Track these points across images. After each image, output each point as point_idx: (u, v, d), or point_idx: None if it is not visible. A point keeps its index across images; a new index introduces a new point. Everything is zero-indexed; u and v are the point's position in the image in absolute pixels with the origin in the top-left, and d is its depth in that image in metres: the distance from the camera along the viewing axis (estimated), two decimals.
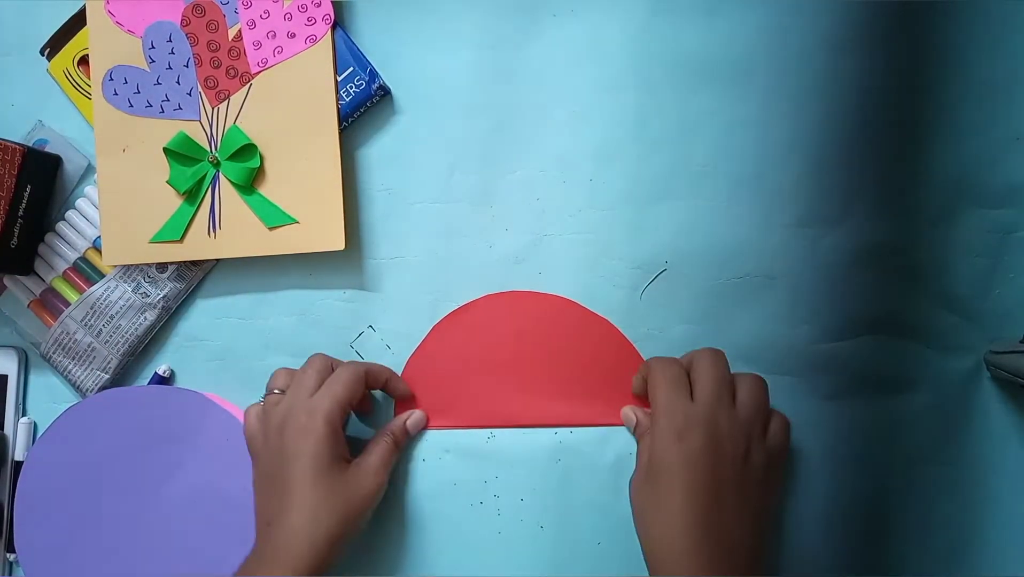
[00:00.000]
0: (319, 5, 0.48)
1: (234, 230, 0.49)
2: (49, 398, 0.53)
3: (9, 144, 0.49)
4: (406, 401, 0.50)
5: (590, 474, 0.48)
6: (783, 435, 0.44)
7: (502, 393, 0.49)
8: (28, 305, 0.52)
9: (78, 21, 0.51)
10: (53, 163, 0.52)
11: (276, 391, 0.47)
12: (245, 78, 0.49)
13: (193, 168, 0.49)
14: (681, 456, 0.41)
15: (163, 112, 0.50)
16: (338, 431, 0.44)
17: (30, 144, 0.51)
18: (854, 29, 0.47)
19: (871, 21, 0.47)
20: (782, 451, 0.44)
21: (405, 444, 0.49)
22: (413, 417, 0.49)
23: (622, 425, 0.48)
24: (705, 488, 0.40)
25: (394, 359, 0.50)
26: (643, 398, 0.47)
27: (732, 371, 0.44)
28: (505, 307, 0.49)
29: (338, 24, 0.49)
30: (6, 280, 0.53)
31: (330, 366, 0.47)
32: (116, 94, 0.50)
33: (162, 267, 0.51)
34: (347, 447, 0.45)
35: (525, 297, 0.49)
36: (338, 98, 0.48)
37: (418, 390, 0.50)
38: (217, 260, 0.51)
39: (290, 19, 0.48)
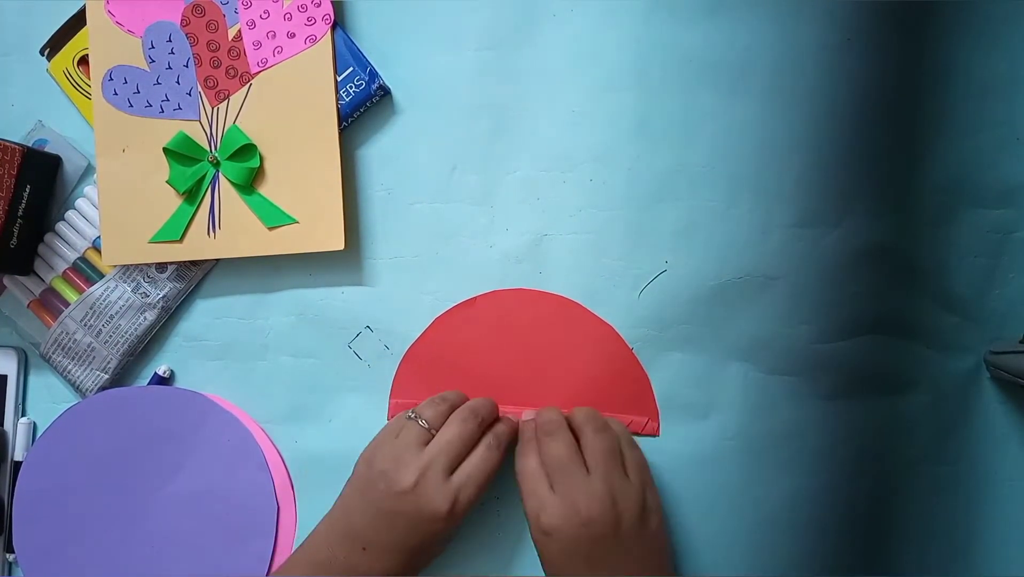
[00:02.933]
0: (319, 5, 0.48)
1: (234, 230, 0.49)
2: (49, 398, 0.53)
3: (9, 144, 0.49)
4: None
5: None
6: (640, 474, 0.44)
7: (500, 387, 0.49)
8: (28, 305, 0.52)
9: (78, 21, 0.51)
10: (53, 163, 0.52)
11: (422, 422, 0.45)
12: (245, 78, 0.49)
13: (193, 168, 0.49)
14: (549, 552, 0.42)
15: (163, 112, 0.50)
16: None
17: (30, 144, 0.51)
18: (854, 29, 0.47)
19: (871, 21, 0.47)
20: (646, 488, 0.44)
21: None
22: (510, 418, 0.48)
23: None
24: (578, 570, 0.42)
25: (392, 360, 0.50)
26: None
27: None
28: (509, 304, 0.49)
29: (338, 24, 0.49)
30: (6, 280, 0.53)
31: (476, 427, 0.45)
32: (116, 94, 0.50)
33: (162, 267, 0.51)
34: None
35: (529, 295, 0.49)
36: (338, 98, 0.48)
37: (416, 378, 0.50)
38: (217, 260, 0.51)
39: (290, 19, 0.48)
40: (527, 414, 0.47)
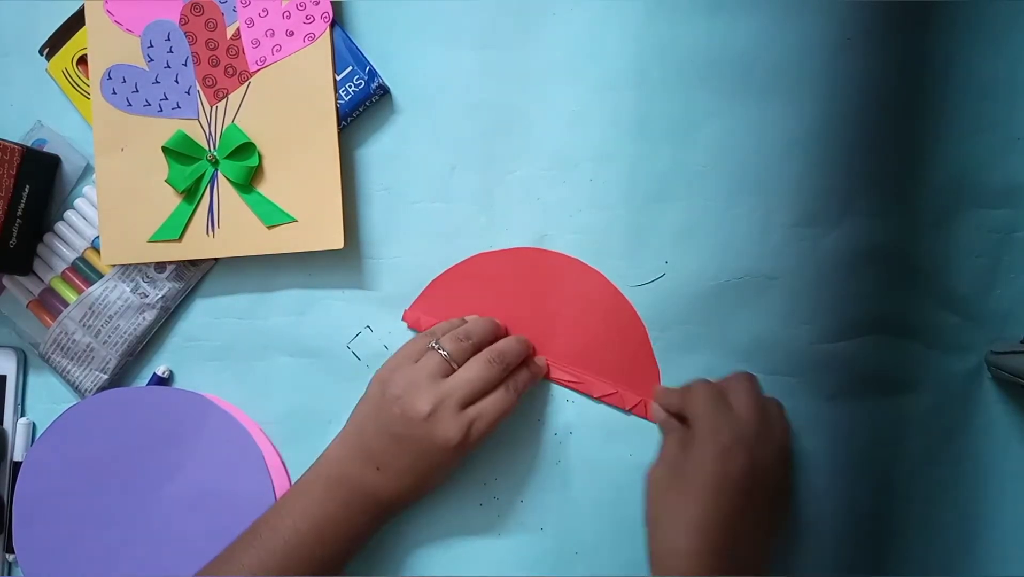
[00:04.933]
0: (317, 3, 0.48)
1: (233, 229, 0.49)
2: (48, 398, 0.53)
3: (8, 144, 0.49)
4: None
5: (590, 476, 0.48)
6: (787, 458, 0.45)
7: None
8: (27, 305, 0.52)
9: (77, 21, 0.51)
10: (52, 163, 0.52)
11: (444, 353, 0.45)
12: (243, 76, 0.49)
13: (192, 167, 0.49)
14: (720, 472, 0.41)
15: (161, 111, 0.50)
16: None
17: (29, 144, 0.51)
18: (854, 29, 0.47)
19: (871, 21, 0.47)
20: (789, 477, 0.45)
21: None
22: (536, 364, 0.48)
23: (619, 408, 0.48)
24: (732, 506, 0.41)
25: None
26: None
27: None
28: (528, 262, 0.49)
29: (337, 23, 0.49)
30: (5, 280, 0.53)
31: (500, 372, 0.45)
32: (115, 93, 0.50)
33: (161, 267, 0.51)
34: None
35: (549, 256, 0.49)
36: (337, 97, 0.48)
37: (436, 301, 0.50)
38: (216, 260, 0.51)
39: (288, 17, 0.48)
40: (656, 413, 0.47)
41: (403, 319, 0.50)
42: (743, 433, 0.42)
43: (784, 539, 0.47)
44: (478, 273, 0.49)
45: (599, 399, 0.48)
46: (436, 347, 0.46)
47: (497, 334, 0.48)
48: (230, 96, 0.49)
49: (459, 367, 0.45)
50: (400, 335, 0.50)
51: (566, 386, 0.49)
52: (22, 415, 0.53)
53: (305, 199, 0.49)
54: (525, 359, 0.48)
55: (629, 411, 0.48)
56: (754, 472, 0.41)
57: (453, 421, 0.44)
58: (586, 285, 0.48)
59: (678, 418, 0.45)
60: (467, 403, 0.44)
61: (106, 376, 0.51)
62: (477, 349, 0.46)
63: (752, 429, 0.42)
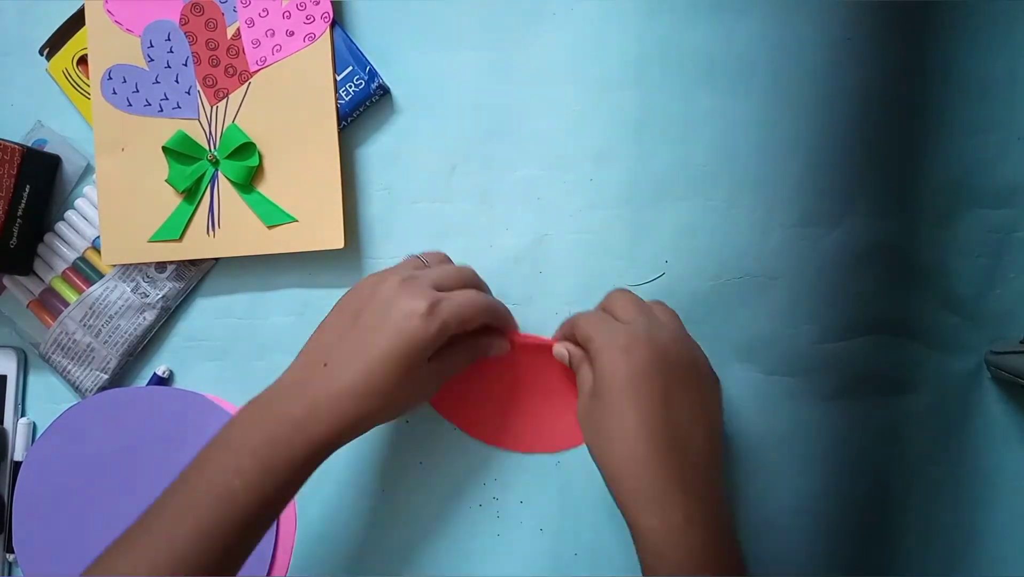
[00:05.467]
0: (317, 3, 0.48)
1: (233, 229, 0.49)
2: (48, 398, 0.53)
3: (8, 144, 0.49)
4: None
5: (590, 477, 0.48)
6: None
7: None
8: (27, 305, 0.52)
9: (77, 21, 0.51)
10: (52, 163, 0.52)
11: (424, 260, 0.45)
12: (244, 76, 0.49)
13: (192, 167, 0.49)
14: (630, 369, 0.40)
15: (162, 111, 0.50)
16: (442, 340, 0.41)
17: (29, 144, 0.51)
18: (854, 29, 0.47)
19: (871, 21, 0.47)
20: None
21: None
22: (498, 343, 0.47)
23: None
24: (659, 397, 0.40)
25: None
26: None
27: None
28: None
29: (337, 23, 0.49)
30: (5, 280, 0.53)
31: (475, 280, 0.45)
32: (115, 93, 0.50)
33: (161, 267, 0.51)
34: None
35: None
36: (337, 97, 0.48)
37: None
38: (216, 260, 0.51)
39: (289, 17, 0.48)
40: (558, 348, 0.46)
41: None
42: (634, 330, 0.41)
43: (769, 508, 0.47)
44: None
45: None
46: (415, 255, 0.45)
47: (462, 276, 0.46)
48: (230, 96, 0.49)
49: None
50: None
51: (533, 342, 0.48)
52: (22, 415, 0.53)
53: (305, 199, 0.49)
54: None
55: None
56: (659, 357, 0.40)
57: (423, 292, 0.41)
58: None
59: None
60: (440, 289, 0.42)
61: (106, 376, 0.51)
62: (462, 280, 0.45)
63: (641, 323, 0.42)
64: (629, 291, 0.45)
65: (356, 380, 0.40)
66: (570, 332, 0.44)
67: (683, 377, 0.41)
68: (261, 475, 0.39)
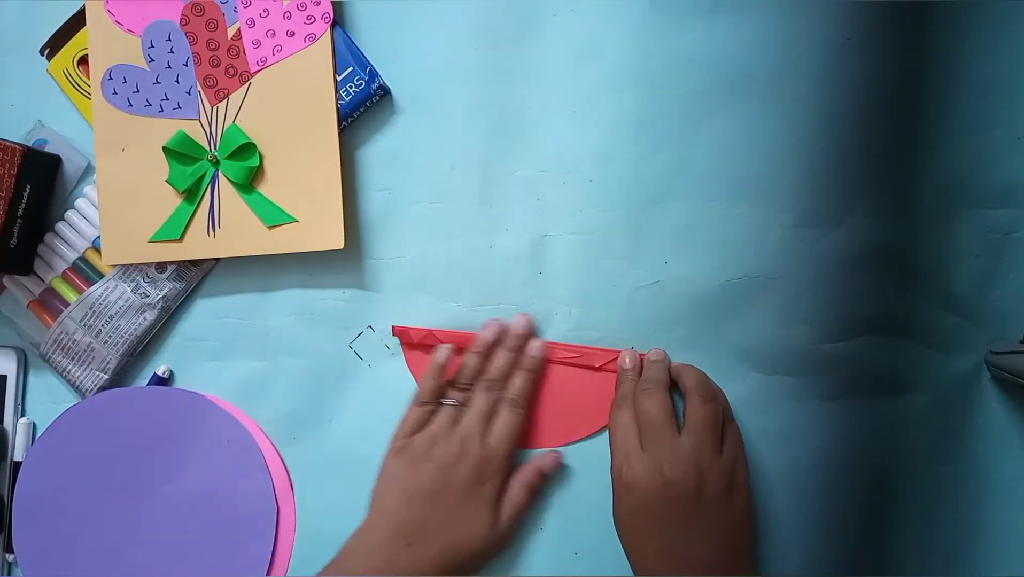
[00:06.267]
0: (318, 4, 0.48)
1: (233, 229, 0.49)
2: (48, 398, 0.53)
3: (9, 144, 0.49)
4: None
5: (590, 476, 0.48)
6: (734, 449, 0.45)
7: None
8: (27, 305, 0.52)
9: (78, 21, 0.51)
10: (53, 163, 0.52)
11: (452, 403, 0.47)
12: (244, 77, 0.49)
13: (192, 167, 0.49)
14: (629, 507, 0.44)
15: (162, 111, 0.50)
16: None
17: (30, 144, 0.51)
18: (854, 29, 0.47)
19: (871, 21, 0.47)
20: (737, 463, 0.45)
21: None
22: (548, 459, 0.48)
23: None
24: (655, 541, 0.43)
25: (393, 359, 0.50)
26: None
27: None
28: None
29: (337, 23, 0.49)
30: (5, 280, 0.53)
31: (503, 387, 0.48)
32: (115, 93, 0.50)
33: (161, 267, 0.51)
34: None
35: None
36: (338, 97, 0.48)
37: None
38: (216, 260, 0.51)
39: (289, 18, 0.48)
40: (626, 358, 0.47)
41: (393, 333, 0.50)
42: (649, 469, 0.43)
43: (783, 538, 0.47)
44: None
45: (600, 368, 0.48)
46: (444, 402, 0.47)
47: (486, 354, 0.48)
48: (231, 96, 0.49)
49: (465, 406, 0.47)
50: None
51: (568, 364, 0.49)
52: (22, 415, 0.53)
53: (306, 199, 0.49)
54: (522, 356, 0.48)
55: None
56: (660, 501, 0.42)
57: (481, 452, 0.46)
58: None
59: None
60: (486, 434, 0.46)
61: (107, 376, 0.51)
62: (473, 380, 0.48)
63: (667, 452, 0.43)
64: (709, 397, 0.44)
65: (439, 561, 0.44)
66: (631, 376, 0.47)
67: (682, 515, 0.42)
68: None
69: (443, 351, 0.48)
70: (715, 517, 0.43)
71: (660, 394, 0.45)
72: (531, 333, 0.49)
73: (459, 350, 0.49)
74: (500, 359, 0.48)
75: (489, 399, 0.47)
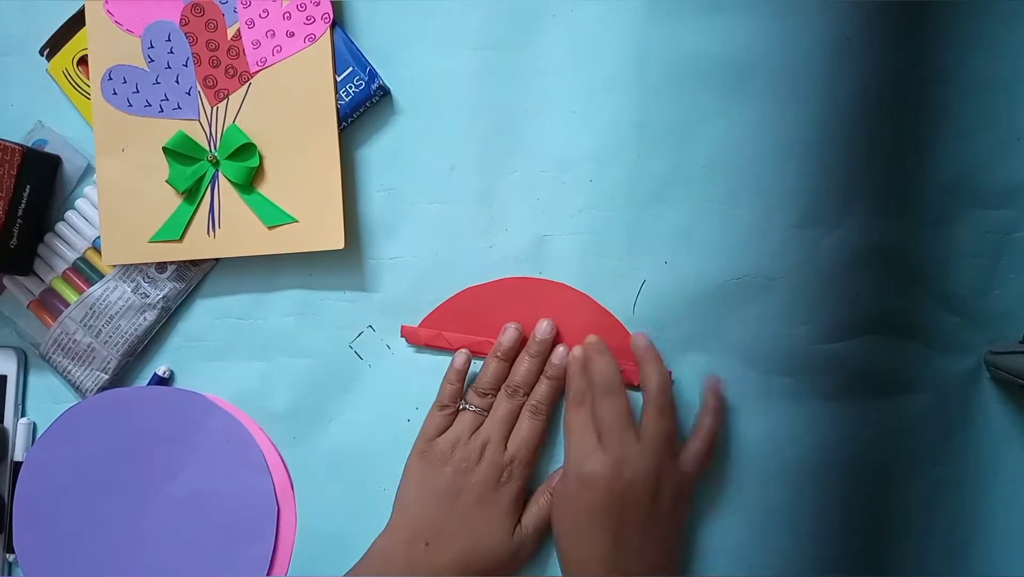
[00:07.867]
0: (318, 4, 0.48)
1: (234, 229, 0.49)
2: (49, 399, 0.53)
3: (8, 144, 0.49)
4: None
5: None
6: (693, 460, 0.45)
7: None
8: (27, 305, 0.52)
9: (77, 21, 0.51)
10: (52, 163, 0.52)
11: (473, 408, 0.47)
12: (244, 77, 0.49)
13: (192, 167, 0.49)
14: (582, 505, 0.44)
15: (162, 111, 0.50)
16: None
17: (29, 144, 0.51)
18: (854, 29, 0.47)
19: (871, 21, 0.47)
20: (690, 475, 0.45)
21: None
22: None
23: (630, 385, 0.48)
24: (609, 539, 0.43)
25: (394, 359, 0.50)
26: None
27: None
28: (517, 291, 0.49)
29: (337, 24, 0.49)
30: (5, 280, 0.53)
31: (525, 393, 0.48)
32: (115, 94, 0.50)
33: (161, 267, 0.51)
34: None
35: (538, 284, 0.49)
36: (337, 97, 0.48)
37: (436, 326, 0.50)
38: (217, 260, 0.51)
39: (289, 18, 0.48)
40: (576, 351, 0.47)
41: (402, 335, 0.50)
42: (602, 464, 0.43)
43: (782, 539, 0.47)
44: (468, 308, 0.49)
45: None
46: (465, 407, 0.47)
47: (507, 360, 0.48)
48: (231, 97, 0.49)
49: (487, 412, 0.47)
50: (399, 336, 0.50)
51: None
52: (22, 415, 0.53)
53: (306, 199, 0.49)
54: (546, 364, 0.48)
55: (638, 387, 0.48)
56: (616, 499, 0.43)
57: (500, 457, 0.46)
58: (574, 308, 0.49)
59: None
60: (507, 440, 0.47)
61: (107, 376, 0.51)
62: (496, 387, 0.48)
63: (616, 451, 0.44)
64: (667, 409, 0.45)
65: (457, 562, 0.45)
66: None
67: (637, 519, 0.43)
68: None
69: (461, 356, 0.48)
70: (664, 527, 0.44)
71: (619, 397, 0.45)
72: (553, 338, 0.48)
73: (473, 352, 0.49)
74: (523, 365, 0.48)
75: (512, 405, 0.47)
